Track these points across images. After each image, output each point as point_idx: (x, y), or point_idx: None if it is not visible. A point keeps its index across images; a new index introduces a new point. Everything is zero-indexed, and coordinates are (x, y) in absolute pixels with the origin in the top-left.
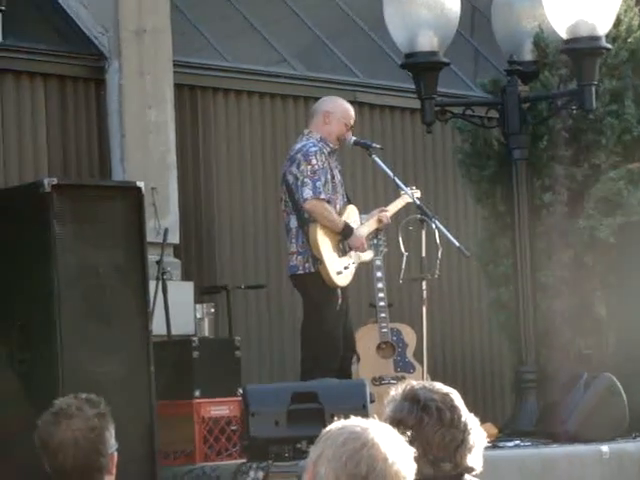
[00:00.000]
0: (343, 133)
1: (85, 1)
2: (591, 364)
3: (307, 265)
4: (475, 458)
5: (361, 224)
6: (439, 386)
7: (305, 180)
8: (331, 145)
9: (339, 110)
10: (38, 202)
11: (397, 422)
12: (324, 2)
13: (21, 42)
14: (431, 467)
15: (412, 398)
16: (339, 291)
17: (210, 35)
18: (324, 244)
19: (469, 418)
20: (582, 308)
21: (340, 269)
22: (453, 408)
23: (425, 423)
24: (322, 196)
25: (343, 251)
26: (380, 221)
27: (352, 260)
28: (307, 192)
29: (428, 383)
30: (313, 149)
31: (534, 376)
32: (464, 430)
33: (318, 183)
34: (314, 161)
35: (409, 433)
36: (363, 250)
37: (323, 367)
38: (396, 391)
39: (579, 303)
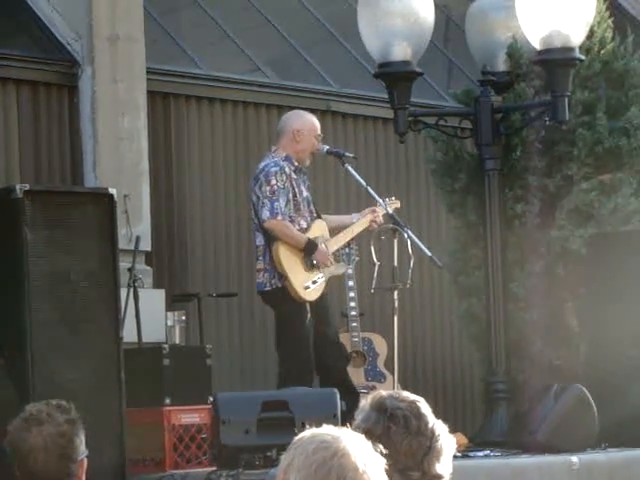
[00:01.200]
0: (315, 146)
1: (59, 7)
2: (562, 375)
3: (273, 281)
4: (444, 466)
5: (352, 224)
6: (406, 394)
7: (264, 201)
8: (296, 163)
9: (307, 126)
10: (10, 208)
11: (365, 432)
12: (298, 11)
13: None
14: (400, 476)
15: (379, 407)
16: (308, 306)
17: (184, 43)
18: (289, 261)
19: (437, 425)
20: (553, 319)
21: (307, 284)
22: (420, 416)
23: (392, 431)
24: (279, 217)
25: (311, 266)
26: (373, 221)
27: (321, 274)
28: (265, 213)
29: (396, 392)
30: (274, 169)
31: (504, 386)
32: (431, 437)
33: (276, 204)
34: (273, 181)
35: (379, 444)
36: (326, 264)
37: (298, 382)
38: (365, 401)
39: (550, 314)
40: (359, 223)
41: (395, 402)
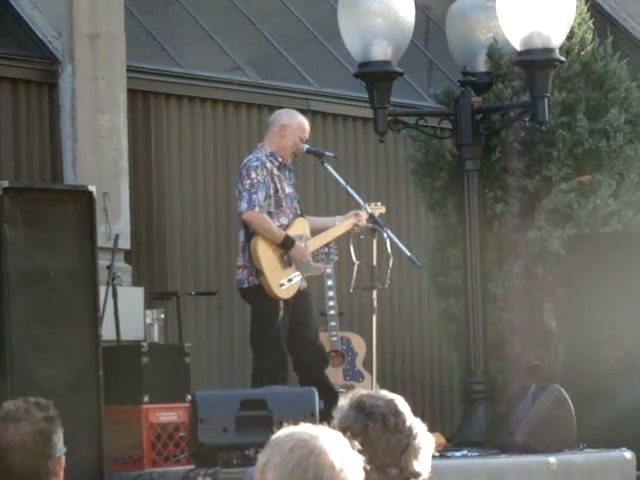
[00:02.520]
0: (297, 147)
1: (39, 5)
2: (540, 375)
3: (251, 278)
4: (422, 463)
5: (335, 226)
6: (384, 393)
7: (243, 194)
8: (280, 159)
9: (295, 123)
10: None
11: (344, 430)
12: (279, 10)
13: None
14: (378, 473)
15: (357, 406)
16: (281, 303)
17: (164, 41)
18: (266, 256)
19: (414, 423)
20: (532, 319)
21: (283, 281)
22: (397, 413)
23: (370, 429)
24: (256, 209)
25: (288, 263)
26: (356, 225)
27: (297, 273)
28: (243, 205)
29: (374, 391)
30: (255, 163)
31: (483, 387)
32: (409, 435)
33: (254, 196)
34: (253, 175)
35: (357, 442)
36: (302, 262)
37: (271, 378)
38: (344, 400)
39: (529, 314)
40: (341, 225)
41: (373, 400)
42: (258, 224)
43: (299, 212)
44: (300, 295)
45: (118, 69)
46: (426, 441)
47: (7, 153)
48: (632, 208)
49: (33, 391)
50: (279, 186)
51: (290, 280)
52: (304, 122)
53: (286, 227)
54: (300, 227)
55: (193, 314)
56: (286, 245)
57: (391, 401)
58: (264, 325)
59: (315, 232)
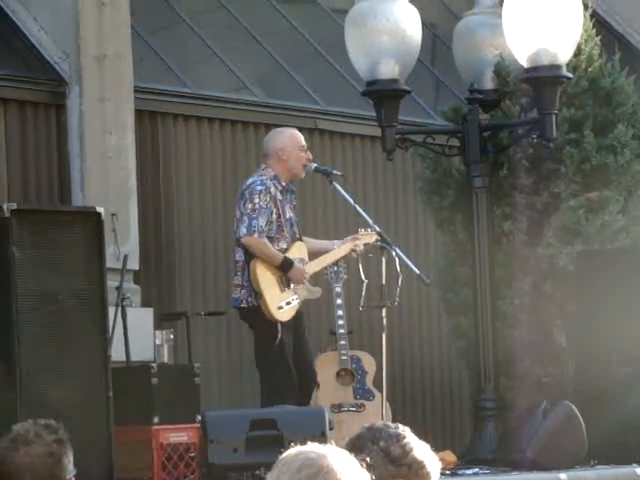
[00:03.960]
0: (303, 158)
1: (46, 26)
2: (550, 392)
3: (250, 299)
4: None
5: (333, 249)
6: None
7: (244, 218)
8: (284, 183)
9: (290, 142)
10: None
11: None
12: (285, 29)
13: None
14: None
15: (367, 429)
16: (279, 325)
17: (171, 61)
18: (265, 279)
19: (422, 452)
20: (541, 336)
21: (281, 304)
22: (403, 444)
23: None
24: (255, 235)
25: (287, 286)
26: (353, 250)
27: (295, 296)
28: (242, 230)
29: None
30: (259, 188)
31: (493, 404)
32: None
33: (254, 222)
34: (256, 200)
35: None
36: (301, 282)
37: (280, 397)
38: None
39: (538, 331)
40: (339, 250)
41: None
42: (256, 248)
43: (297, 236)
44: (298, 316)
45: (125, 90)
46: (434, 468)
47: (15, 175)
48: None
49: (43, 412)
50: (281, 211)
51: (288, 303)
52: (296, 135)
53: (285, 251)
54: (298, 251)
55: (202, 334)
56: (285, 267)
57: (400, 433)
58: (266, 346)
59: (313, 254)
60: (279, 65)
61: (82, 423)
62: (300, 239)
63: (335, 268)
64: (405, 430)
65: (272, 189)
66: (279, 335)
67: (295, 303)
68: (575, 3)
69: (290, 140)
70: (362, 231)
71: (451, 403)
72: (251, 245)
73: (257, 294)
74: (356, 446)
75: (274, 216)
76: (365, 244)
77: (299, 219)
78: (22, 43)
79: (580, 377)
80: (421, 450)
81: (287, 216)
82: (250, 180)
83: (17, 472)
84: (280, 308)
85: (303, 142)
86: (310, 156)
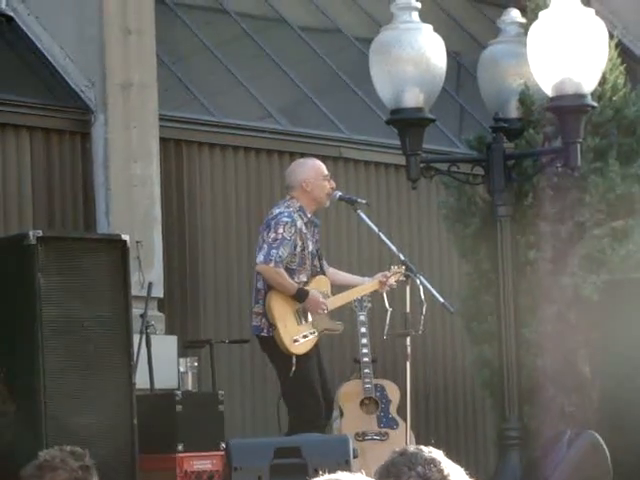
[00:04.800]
0: (327, 187)
1: (72, 54)
2: (574, 421)
3: (270, 329)
4: None
5: (360, 285)
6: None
7: (264, 246)
8: (309, 215)
9: (312, 173)
10: (23, 254)
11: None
12: (309, 57)
13: (7, 95)
14: None
15: (401, 454)
16: (294, 358)
17: (196, 89)
18: (281, 311)
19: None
20: (566, 365)
21: (297, 337)
22: (440, 469)
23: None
24: (271, 264)
25: (305, 319)
26: (383, 284)
27: (313, 330)
28: (260, 257)
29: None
30: (285, 219)
31: (517, 433)
32: None
33: (273, 251)
34: (280, 230)
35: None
36: (317, 311)
37: (307, 425)
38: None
39: (563, 360)
40: (367, 286)
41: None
42: (270, 276)
43: (319, 269)
44: (316, 346)
45: (150, 118)
46: None
47: (41, 202)
48: None
49: (67, 439)
50: (305, 244)
51: (305, 337)
52: (318, 165)
53: (305, 284)
54: (317, 284)
55: (226, 362)
56: (300, 296)
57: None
58: (286, 377)
59: (340, 287)
60: (304, 93)
61: (106, 451)
62: (323, 273)
63: (359, 297)
64: (439, 454)
65: (298, 222)
66: (293, 368)
67: (312, 337)
68: (600, 32)
69: (313, 171)
70: (395, 268)
71: (475, 432)
72: (265, 273)
73: (272, 325)
74: (392, 473)
75: (298, 249)
76: (396, 281)
77: (322, 252)
78: (48, 71)
79: (604, 406)
80: (457, 473)
81: (309, 249)
82: (277, 210)
83: None
84: (295, 341)
85: (325, 171)
86: (333, 184)
